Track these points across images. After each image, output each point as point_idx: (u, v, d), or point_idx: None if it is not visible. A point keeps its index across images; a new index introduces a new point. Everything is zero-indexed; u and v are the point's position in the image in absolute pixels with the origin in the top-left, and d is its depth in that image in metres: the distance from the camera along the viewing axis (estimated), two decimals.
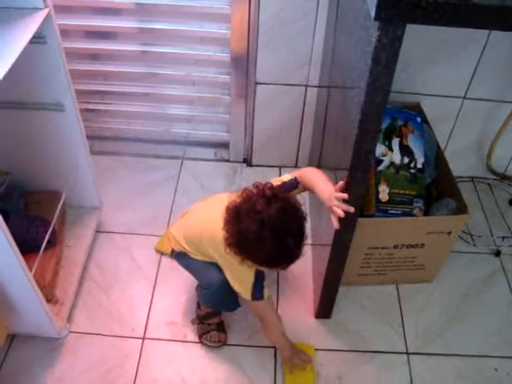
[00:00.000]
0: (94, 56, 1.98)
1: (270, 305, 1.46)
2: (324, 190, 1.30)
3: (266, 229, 1.20)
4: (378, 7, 0.93)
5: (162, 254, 1.81)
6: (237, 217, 1.24)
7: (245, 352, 1.60)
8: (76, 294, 1.67)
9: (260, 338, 1.62)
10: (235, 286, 1.39)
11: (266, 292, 1.40)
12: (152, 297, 1.71)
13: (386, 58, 1.02)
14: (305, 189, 1.41)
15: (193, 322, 1.65)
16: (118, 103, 2.08)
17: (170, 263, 1.79)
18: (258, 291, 1.38)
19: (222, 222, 1.28)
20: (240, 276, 1.37)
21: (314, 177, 1.38)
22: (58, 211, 1.59)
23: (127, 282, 1.74)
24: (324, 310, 1.68)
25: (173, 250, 1.55)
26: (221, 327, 1.63)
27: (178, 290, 1.73)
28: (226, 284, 1.42)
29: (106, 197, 1.92)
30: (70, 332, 1.60)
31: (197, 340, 1.61)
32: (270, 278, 1.77)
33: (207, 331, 1.61)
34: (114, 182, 2.05)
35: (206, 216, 1.46)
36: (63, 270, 1.68)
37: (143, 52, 1.91)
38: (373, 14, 0.95)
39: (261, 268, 1.32)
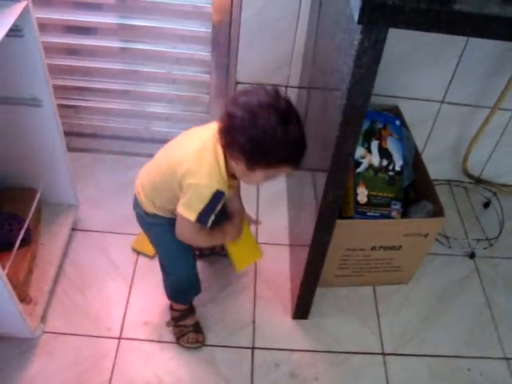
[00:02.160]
0: (73, 51, 1.94)
1: (201, 230, 1.34)
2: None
3: (275, 114, 1.15)
4: (362, 10, 0.93)
5: (139, 252, 1.80)
6: (243, 103, 1.18)
7: (221, 353, 1.59)
8: (51, 293, 1.65)
9: (237, 339, 1.62)
10: (183, 206, 1.27)
11: (210, 221, 1.30)
12: (128, 296, 1.69)
13: (368, 62, 1.03)
14: None
15: (168, 325, 1.63)
16: (97, 100, 2.05)
17: (147, 263, 1.78)
18: (205, 215, 1.27)
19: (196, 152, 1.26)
20: (197, 194, 1.26)
21: None
22: (33, 209, 1.57)
23: (104, 282, 1.72)
24: (301, 310, 1.68)
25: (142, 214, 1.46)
26: (197, 328, 1.62)
27: (154, 289, 1.70)
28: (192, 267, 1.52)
29: (83, 194, 1.90)
30: (45, 332, 1.57)
31: (173, 340, 1.60)
32: (246, 280, 1.78)
33: (184, 333, 1.60)
34: (91, 180, 2.02)
35: (176, 150, 1.36)
36: (38, 269, 1.65)
37: (123, 49, 1.89)
38: (356, 17, 0.95)
39: (264, 166, 1.22)
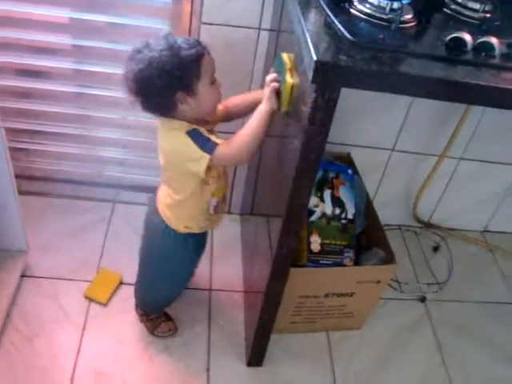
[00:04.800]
0: (26, 94, 1.93)
1: (228, 145, 1.27)
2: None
3: (150, 48, 1.21)
4: (315, 71, 0.96)
5: (92, 300, 1.76)
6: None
7: None
8: None
9: None
10: (190, 166, 1.28)
11: (213, 138, 1.27)
12: (80, 345, 1.64)
13: (321, 119, 1.06)
14: (233, 112, 1.46)
15: (141, 321, 1.71)
16: (50, 143, 2.03)
17: (100, 310, 1.74)
18: (204, 145, 1.25)
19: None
20: (182, 149, 1.27)
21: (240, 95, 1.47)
22: None
23: (53, 330, 1.67)
24: (256, 358, 1.67)
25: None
26: (168, 317, 1.72)
27: (107, 337, 1.67)
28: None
29: (34, 239, 1.85)
30: None
31: None
32: (200, 328, 1.76)
33: (157, 325, 1.69)
34: (42, 224, 1.98)
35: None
36: None
37: (78, 94, 1.88)
38: (310, 76, 0.98)
39: (197, 78, 1.22)
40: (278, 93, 1.25)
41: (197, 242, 1.51)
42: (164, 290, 1.62)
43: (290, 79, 1.19)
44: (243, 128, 1.27)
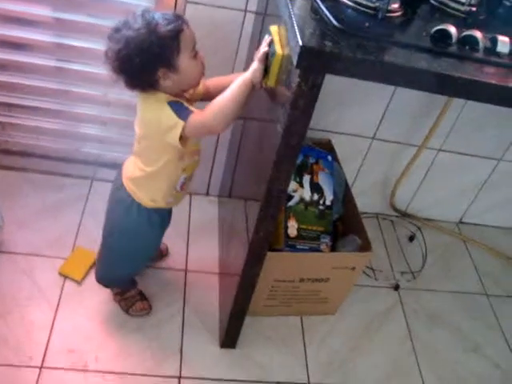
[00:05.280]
0: (3, 66, 1.88)
1: (202, 112, 1.26)
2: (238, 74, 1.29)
3: (129, 25, 1.20)
4: (300, 56, 0.96)
5: (67, 277, 1.75)
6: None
7: (147, 382, 1.56)
8: None
9: (163, 368, 1.60)
10: (168, 136, 1.26)
11: (188, 107, 1.27)
12: (53, 322, 1.63)
13: (303, 104, 1.06)
14: (213, 93, 1.38)
15: (115, 300, 1.71)
16: (27, 117, 1.99)
17: (74, 288, 1.73)
18: (180, 112, 1.24)
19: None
20: (162, 118, 1.26)
21: (222, 77, 1.45)
22: None
23: (27, 307, 1.66)
24: (229, 340, 1.68)
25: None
26: (142, 296, 1.73)
27: (81, 315, 1.67)
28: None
29: (9, 215, 1.83)
30: None
31: (98, 369, 1.56)
32: (174, 308, 1.77)
33: (132, 304, 1.69)
34: (18, 200, 1.95)
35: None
36: None
37: (58, 68, 1.85)
38: (295, 61, 0.98)
39: (177, 53, 1.22)
40: (265, 68, 1.22)
41: (161, 218, 1.51)
42: (126, 265, 1.62)
43: (280, 51, 1.15)
44: (219, 96, 1.25)
